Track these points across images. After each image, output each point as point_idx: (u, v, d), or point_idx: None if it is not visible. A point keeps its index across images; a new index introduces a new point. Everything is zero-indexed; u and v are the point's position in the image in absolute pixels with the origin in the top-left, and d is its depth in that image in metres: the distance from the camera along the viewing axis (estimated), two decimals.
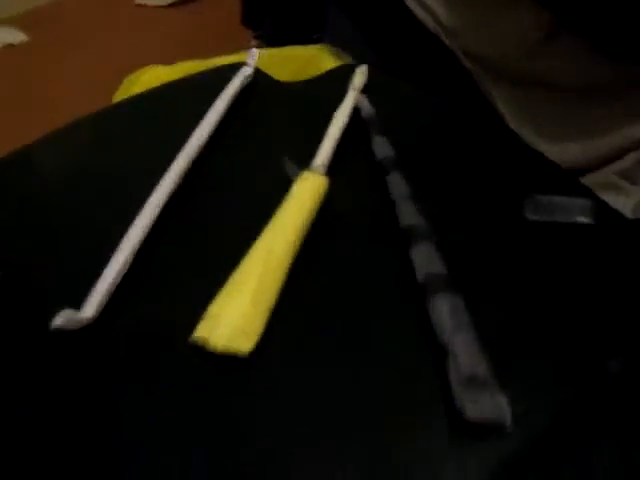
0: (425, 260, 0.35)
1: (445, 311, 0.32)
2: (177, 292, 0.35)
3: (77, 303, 0.33)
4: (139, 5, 1.63)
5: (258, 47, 1.41)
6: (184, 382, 0.31)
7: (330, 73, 0.54)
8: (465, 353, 0.29)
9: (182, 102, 0.52)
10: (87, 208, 0.41)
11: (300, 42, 1.27)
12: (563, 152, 0.68)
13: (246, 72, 0.51)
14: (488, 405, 0.27)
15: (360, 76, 0.49)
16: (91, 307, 0.33)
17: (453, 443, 0.28)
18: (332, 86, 0.50)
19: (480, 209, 0.41)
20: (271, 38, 1.41)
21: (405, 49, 0.94)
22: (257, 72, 0.53)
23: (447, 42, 0.84)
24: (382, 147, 0.43)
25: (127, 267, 0.35)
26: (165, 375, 0.32)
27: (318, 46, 0.84)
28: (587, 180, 0.76)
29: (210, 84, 0.51)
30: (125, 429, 0.30)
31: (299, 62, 0.81)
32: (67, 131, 0.51)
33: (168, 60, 1.35)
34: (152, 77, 0.82)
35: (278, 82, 0.53)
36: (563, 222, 0.39)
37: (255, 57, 0.53)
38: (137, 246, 0.36)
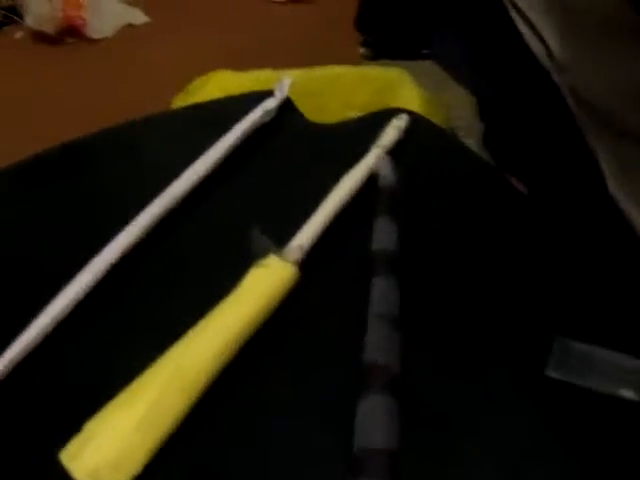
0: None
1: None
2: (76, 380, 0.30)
3: None
4: None
5: (364, 54, 1.35)
6: None
7: (366, 118, 0.45)
8: None
9: (196, 130, 0.46)
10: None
11: (408, 55, 1.19)
12: None
13: (268, 106, 0.45)
14: None
15: (391, 132, 0.40)
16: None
17: None
18: (359, 137, 0.42)
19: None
20: (380, 47, 1.33)
21: (511, 77, 0.85)
22: (287, 104, 0.46)
23: (555, 78, 0.73)
24: (383, 234, 0.34)
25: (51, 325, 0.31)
26: None
27: (400, 71, 0.75)
28: None
29: (229, 114, 0.45)
30: None
31: (377, 84, 0.74)
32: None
33: (280, 53, 1.33)
34: (217, 84, 0.79)
35: (303, 122, 0.46)
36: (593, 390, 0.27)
37: (285, 89, 0.46)
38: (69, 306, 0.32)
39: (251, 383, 0.29)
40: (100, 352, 0.31)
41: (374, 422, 0.26)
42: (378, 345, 0.29)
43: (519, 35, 0.78)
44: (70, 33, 1.57)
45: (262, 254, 0.32)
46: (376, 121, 0.44)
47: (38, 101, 1.40)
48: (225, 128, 0.43)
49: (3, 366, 0.29)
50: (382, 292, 0.31)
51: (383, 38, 1.30)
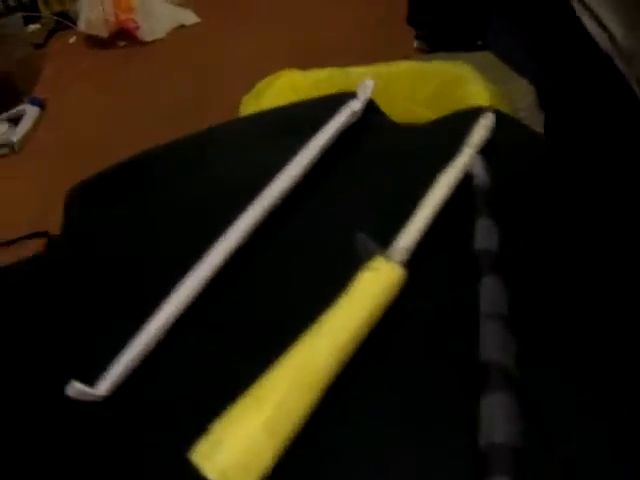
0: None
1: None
2: (201, 372, 0.30)
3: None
4: None
5: (420, 48, 1.33)
6: None
7: (451, 118, 0.45)
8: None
9: (282, 133, 0.47)
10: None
11: (463, 47, 1.17)
12: None
13: (354, 108, 0.45)
14: None
15: (481, 131, 0.40)
16: (105, 385, 0.30)
17: None
18: (447, 137, 0.42)
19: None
20: (434, 40, 1.32)
21: (571, 66, 0.83)
22: (370, 106, 0.46)
23: (621, 67, 0.72)
24: (485, 235, 0.34)
25: (154, 342, 0.32)
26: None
27: (464, 65, 0.75)
28: None
29: (315, 117, 0.45)
30: None
31: (442, 78, 0.73)
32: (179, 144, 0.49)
33: (335, 50, 1.33)
34: (286, 83, 0.79)
35: (388, 123, 0.46)
36: None
37: (368, 90, 0.46)
38: (175, 314, 0.32)
39: (368, 382, 0.29)
40: (214, 357, 0.31)
41: (498, 419, 0.26)
42: (494, 344, 0.29)
43: (581, 25, 0.76)
44: (122, 36, 1.61)
45: (368, 257, 0.32)
46: (463, 120, 0.43)
47: (95, 105, 1.44)
48: (312, 130, 0.43)
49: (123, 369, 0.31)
50: (491, 291, 0.31)
51: (436, 31, 1.29)
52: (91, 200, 0.46)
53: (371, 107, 0.46)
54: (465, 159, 0.38)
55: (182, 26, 1.63)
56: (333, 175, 0.41)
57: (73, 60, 1.61)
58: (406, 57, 1.22)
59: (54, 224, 0.46)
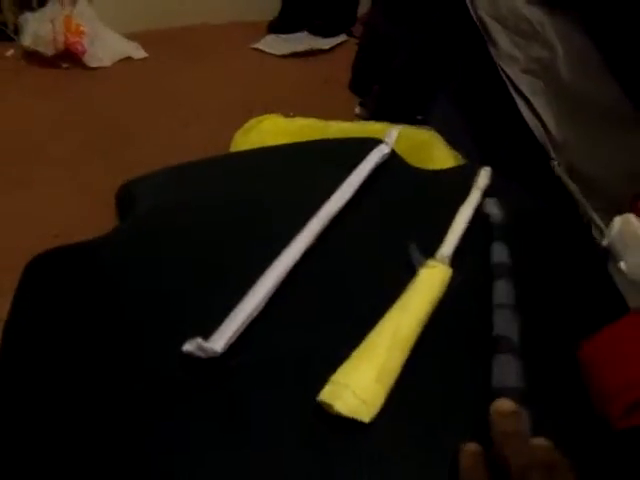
0: (507, 372, 0.36)
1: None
2: (302, 345, 0.37)
3: (208, 332, 0.36)
4: (255, 49, 1.73)
5: (360, 115, 1.46)
6: (298, 437, 0.33)
7: (455, 169, 0.57)
8: None
9: (317, 167, 0.55)
10: (229, 247, 0.44)
11: (403, 120, 1.32)
12: None
13: (384, 151, 0.55)
14: None
15: (484, 177, 0.52)
16: (221, 340, 0.36)
17: None
18: (457, 182, 0.53)
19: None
20: (375, 109, 1.47)
21: (508, 151, 0.98)
22: (394, 154, 0.57)
23: (552, 154, 0.87)
24: (499, 252, 0.45)
25: (258, 309, 0.38)
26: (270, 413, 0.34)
27: (430, 132, 0.88)
28: None
29: (346, 154, 0.55)
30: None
31: (412, 141, 0.85)
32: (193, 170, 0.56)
33: (273, 104, 1.43)
34: (271, 126, 0.88)
35: (409, 166, 0.56)
36: None
37: (394, 137, 0.56)
38: (269, 294, 0.39)
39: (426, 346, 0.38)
40: (315, 327, 0.39)
41: (507, 369, 0.36)
42: (502, 324, 0.39)
43: (518, 113, 0.92)
44: (67, 58, 1.61)
45: (420, 261, 0.42)
46: (463, 171, 0.55)
47: (30, 118, 1.42)
48: (351, 164, 0.52)
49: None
50: (502, 289, 0.42)
51: (379, 101, 1.43)
52: None
53: (395, 154, 0.57)
54: (477, 195, 0.50)
55: (129, 58, 1.67)
56: (373, 206, 0.50)
57: (11, 73, 1.58)
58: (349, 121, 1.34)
59: None
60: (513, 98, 0.96)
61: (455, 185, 0.53)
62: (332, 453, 0.33)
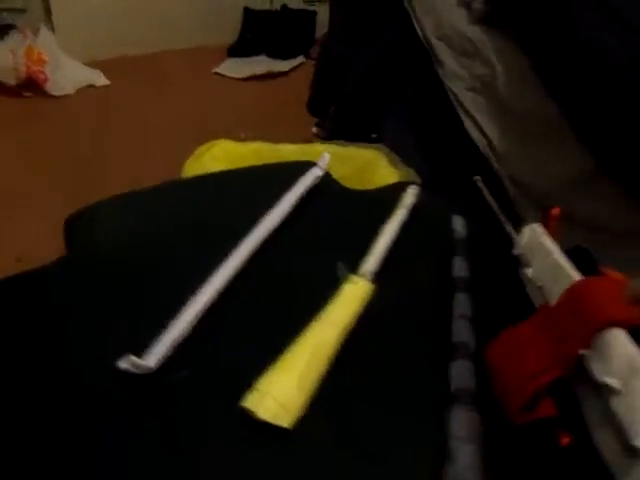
0: (463, 374, 0.40)
1: (460, 421, 0.37)
2: (232, 359, 0.41)
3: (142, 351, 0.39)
4: (216, 73, 1.77)
5: (317, 134, 1.51)
6: (225, 447, 0.36)
7: (388, 188, 0.61)
8: (465, 463, 0.34)
9: (252, 192, 0.59)
10: (166, 270, 0.47)
11: (359, 138, 1.37)
12: None
13: (317, 173, 0.59)
14: None
15: (410, 196, 0.57)
16: (154, 357, 0.39)
17: None
18: (388, 200, 0.57)
19: None
20: (332, 129, 1.51)
21: (454, 165, 1.02)
22: (327, 176, 0.61)
23: (495, 166, 0.92)
24: (460, 266, 0.49)
25: (190, 326, 0.41)
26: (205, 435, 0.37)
27: (376, 151, 0.93)
28: None
29: (280, 178, 0.58)
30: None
31: (358, 162, 0.90)
32: (138, 198, 0.59)
33: (234, 126, 1.46)
34: (221, 151, 0.92)
35: (342, 187, 0.60)
36: None
37: (326, 160, 0.61)
38: (202, 311, 0.43)
39: (361, 357, 0.42)
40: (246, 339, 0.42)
41: (463, 374, 0.40)
42: (460, 332, 0.43)
43: (463, 129, 0.97)
44: (29, 87, 1.63)
45: (345, 277, 0.46)
46: (395, 189, 0.60)
47: None
48: (279, 190, 0.56)
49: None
50: (463, 302, 0.46)
51: (335, 121, 1.48)
52: None
53: (329, 176, 0.61)
54: (402, 213, 0.54)
55: (91, 86, 1.70)
56: (305, 226, 0.54)
57: None
58: (307, 141, 1.39)
59: None
60: (459, 115, 1.01)
61: (385, 204, 0.57)
62: (259, 460, 0.36)
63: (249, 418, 0.36)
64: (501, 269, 0.52)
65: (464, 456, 0.35)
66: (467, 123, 1.00)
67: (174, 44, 1.88)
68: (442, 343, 0.42)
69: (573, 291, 0.40)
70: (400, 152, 1.07)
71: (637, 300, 0.40)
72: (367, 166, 0.87)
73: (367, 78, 1.36)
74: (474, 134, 0.98)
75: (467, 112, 1.01)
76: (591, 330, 0.37)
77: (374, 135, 1.30)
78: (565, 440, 0.38)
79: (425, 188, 0.66)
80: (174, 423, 0.38)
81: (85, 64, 1.73)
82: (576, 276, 0.42)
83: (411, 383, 0.41)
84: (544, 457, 0.39)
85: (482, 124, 0.98)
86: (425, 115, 1.13)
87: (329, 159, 0.66)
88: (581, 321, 0.37)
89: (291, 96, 1.60)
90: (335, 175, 0.74)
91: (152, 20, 1.83)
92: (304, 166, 0.60)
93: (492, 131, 0.96)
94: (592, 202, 0.83)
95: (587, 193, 0.84)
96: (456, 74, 1.05)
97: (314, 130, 1.55)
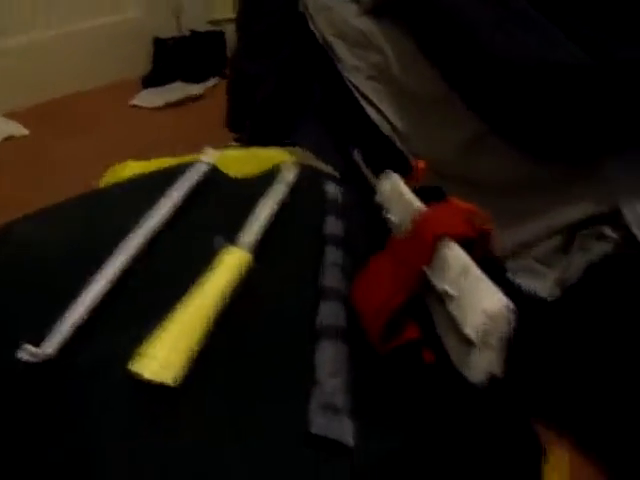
0: (329, 312, 0.44)
1: (326, 353, 0.41)
2: (124, 334, 0.44)
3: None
4: (133, 106, 1.80)
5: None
6: (121, 406, 0.40)
7: (271, 170, 0.65)
8: (331, 388, 0.38)
9: (145, 190, 0.63)
10: (58, 268, 0.51)
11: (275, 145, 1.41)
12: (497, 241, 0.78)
13: (200, 168, 0.63)
14: (336, 426, 0.36)
15: (289, 172, 0.61)
16: (51, 345, 0.42)
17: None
18: (271, 180, 0.62)
19: None
20: (250, 141, 1.56)
21: (365, 152, 1.08)
22: (213, 168, 0.65)
23: (399, 146, 0.98)
24: (332, 225, 0.54)
25: (85, 315, 0.45)
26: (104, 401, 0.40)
27: (280, 148, 0.97)
28: (510, 265, 0.87)
29: (172, 177, 0.62)
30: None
31: (261, 161, 0.94)
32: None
33: (158, 153, 1.49)
34: (130, 171, 0.95)
35: (228, 177, 0.65)
36: None
37: (211, 155, 0.65)
38: (95, 299, 0.46)
39: (233, 324, 0.46)
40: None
41: (331, 312, 0.44)
42: (330, 278, 0.47)
43: (368, 118, 1.03)
44: None
45: (223, 249, 0.50)
46: (278, 170, 0.64)
47: None
48: (171, 185, 0.60)
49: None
50: (333, 253, 0.50)
51: (250, 133, 1.53)
52: None
53: (215, 168, 0.65)
54: (280, 189, 0.59)
55: (11, 137, 1.70)
56: (193, 209, 0.58)
57: None
58: None
59: None
60: (362, 105, 1.07)
61: (268, 183, 0.62)
62: (157, 425, 0.39)
63: (141, 382, 0.39)
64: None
65: (330, 383, 0.39)
66: (369, 110, 1.06)
67: (89, 83, 1.90)
68: (314, 292, 0.47)
69: (417, 218, 0.45)
70: (314, 151, 1.12)
71: (483, 227, 0.45)
72: (270, 162, 0.92)
73: (275, 87, 1.42)
74: (377, 120, 1.04)
75: (369, 100, 1.08)
76: (429, 246, 0.41)
77: (287, 141, 1.35)
78: (429, 357, 0.42)
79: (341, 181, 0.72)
80: (75, 400, 0.41)
81: (2, 116, 1.73)
82: (422, 208, 0.47)
83: (284, 331, 0.45)
84: (411, 378, 0.43)
85: (383, 109, 1.05)
86: (333, 111, 1.19)
87: (232, 160, 0.70)
88: (421, 240, 0.42)
89: (209, 117, 1.64)
90: (238, 174, 0.78)
91: (62, 64, 1.85)
92: (191, 164, 0.64)
93: (392, 114, 1.03)
94: (479, 163, 0.90)
95: (474, 156, 0.90)
96: (354, 66, 1.11)
97: (233, 145, 1.60)
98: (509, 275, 0.83)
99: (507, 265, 0.87)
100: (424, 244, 0.41)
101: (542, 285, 0.84)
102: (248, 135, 1.54)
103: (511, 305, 0.36)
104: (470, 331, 0.37)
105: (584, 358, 0.84)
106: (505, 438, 0.44)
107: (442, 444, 0.40)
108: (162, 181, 0.63)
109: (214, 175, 0.64)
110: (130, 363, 0.40)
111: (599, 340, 0.82)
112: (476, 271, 0.38)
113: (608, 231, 0.77)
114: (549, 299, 0.83)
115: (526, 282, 0.84)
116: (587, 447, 0.91)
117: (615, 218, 0.75)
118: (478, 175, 0.89)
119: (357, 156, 0.65)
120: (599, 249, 0.78)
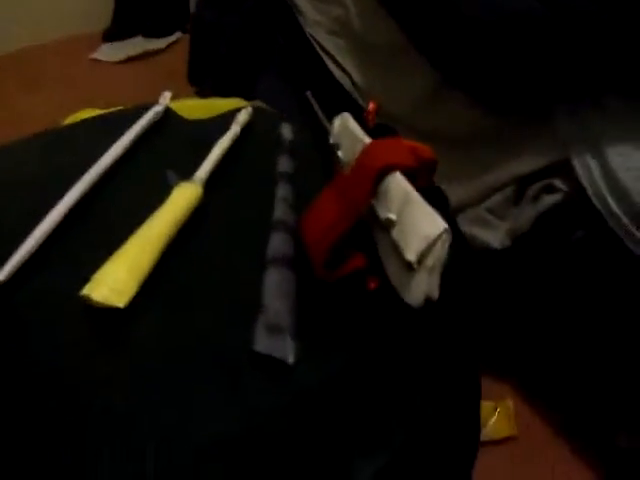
0: (278, 243, 0.45)
1: (275, 279, 0.42)
2: (76, 263, 0.45)
3: None
4: (94, 60, 1.76)
5: None
6: (69, 332, 0.41)
7: (227, 113, 0.66)
8: (276, 310, 0.40)
9: (103, 130, 0.63)
10: (14, 199, 0.51)
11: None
12: (452, 193, 0.81)
13: (156, 110, 0.63)
14: (279, 345, 0.38)
15: (244, 115, 0.62)
16: (3, 273, 0.43)
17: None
18: (226, 122, 0.62)
19: None
20: (211, 95, 1.54)
21: (325, 106, 1.09)
22: (169, 112, 0.65)
23: (360, 101, 0.99)
24: (284, 163, 0.55)
25: (38, 245, 0.45)
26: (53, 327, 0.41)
27: (237, 99, 0.97)
28: (464, 216, 0.90)
29: (127, 118, 0.62)
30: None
31: (219, 109, 0.94)
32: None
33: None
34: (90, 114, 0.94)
35: (184, 119, 0.65)
36: None
37: (167, 99, 0.65)
38: (49, 230, 0.46)
39: (184, 245, 0.47)
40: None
41: (279, 243, 0.45)
42: (280, 211, 0.48)
43: (330, 74, 1.03)
44: None
45: (176, 183, 0.50)
46: (234, 112, 0.65)
47: None
48: (128, 125, 0.60)
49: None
50: (284, 189, 0.52)
51: (213, 88, 1.52)
52: None
53: (169, 111, 0.65)
54: (235, 129, 0.59)
55: None
56: (146, 152, 0.58)
57: None
58: None
59: None
60: (323, 60, 1.07)
61: (224, 125, 0.62)
62: (103, 350, 0.40)
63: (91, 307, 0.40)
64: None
65: (274, 305, 0.41)
66: (331, 65, 1.06)
67: (48, 36, 1.84)
68: (264, 226, 0.48)
69: (362, 151, 0.46)
70: (275, 105, 1.13)
71: (425, 157, 0.46)
72: (225, 107, 0.92)
73: (238, 39, 1.40)
74: (338, 75, 1.04)
75: (330, 55, 1.07)
76: (372, 176, 0.42)
77: (251, 95, 1.35)
78: (373, 284, 0.44)
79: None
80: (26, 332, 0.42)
81: None
82: (367, 141, 0.48)
83: (234, 260, 0.46)
84: (355, 304, 0.44)
85: (344, 64, 1.05)
86: (295, 66, 1.18)
87: (189, 108, 0.70)
88: (364, 171, 0.43)
89: (171, 71, 1.62)
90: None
91: (21, 16, 1.79)
92: (148, 107, 0.64)
93: (353, 69, 1.03)
94: (433, 115, 0.91)
95: (429, 108, 0.92)
96: (316, 21, 1.10)
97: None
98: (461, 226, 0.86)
99: (460, 216, 0.90)
100: (367, 174, 0.42)
101: (494, 235, 0.87)
102: (210, 88, 1.53)
103: (448, 228, 0.37)
104: (410, 255, 0.38)
105: (532, 305, 0.88)
106: (445, 370, 0.46)
107: (381, 368, 0.41)
108: (119, 121, 0.63)
109: (170, 117, 0.64)
110: (81, 288, 0.41)
111: (545, 289, 0.85)
112: (417, 198, 0.40)
113: (558, 183, 0.79)
114: (500, 248, 0.86)
115: (478, 232, 0.87)
116: (535, 393, 0.95)
117: (566, 170, 0.78)
118: (433, 127, 0.90)
119: (310, 96, 0.66)
120: (549, 200, 0.81)
